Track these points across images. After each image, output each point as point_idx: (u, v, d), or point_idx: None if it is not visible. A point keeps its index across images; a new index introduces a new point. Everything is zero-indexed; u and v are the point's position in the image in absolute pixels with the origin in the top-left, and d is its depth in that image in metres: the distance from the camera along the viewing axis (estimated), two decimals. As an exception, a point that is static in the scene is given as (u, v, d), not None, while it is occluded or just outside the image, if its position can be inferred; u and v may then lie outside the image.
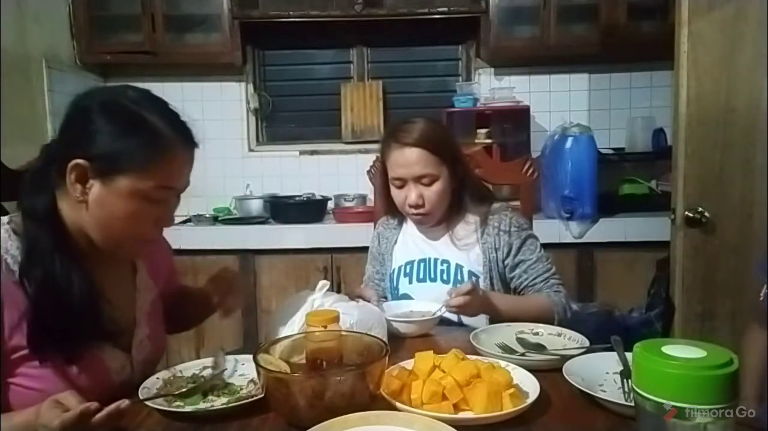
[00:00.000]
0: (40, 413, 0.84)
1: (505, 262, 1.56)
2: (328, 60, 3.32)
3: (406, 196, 1.52)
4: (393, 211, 1.67)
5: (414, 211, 1.53)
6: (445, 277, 1.56)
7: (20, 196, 0.99)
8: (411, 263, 1.61)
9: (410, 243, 1.64)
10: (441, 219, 1.59)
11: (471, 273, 1.55)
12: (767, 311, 1.35)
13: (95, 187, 0.94)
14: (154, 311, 1.16)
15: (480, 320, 1.51)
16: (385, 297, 1.67)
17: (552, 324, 1.38)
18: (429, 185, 1.50)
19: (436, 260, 1.58)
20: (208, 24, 2.92)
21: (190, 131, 1.01)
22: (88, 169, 0.93)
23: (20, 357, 0.94)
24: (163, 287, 1.22)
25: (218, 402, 0.99)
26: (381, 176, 1.64)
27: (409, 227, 1.67)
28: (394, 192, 1.56)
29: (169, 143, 0.95)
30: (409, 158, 1.48)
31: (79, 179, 0.94)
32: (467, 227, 1.60)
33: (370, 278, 1.72)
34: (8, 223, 0.99)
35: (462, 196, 1.59)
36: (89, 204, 0.95)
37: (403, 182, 1.52)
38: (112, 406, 0.83)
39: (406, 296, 1.58)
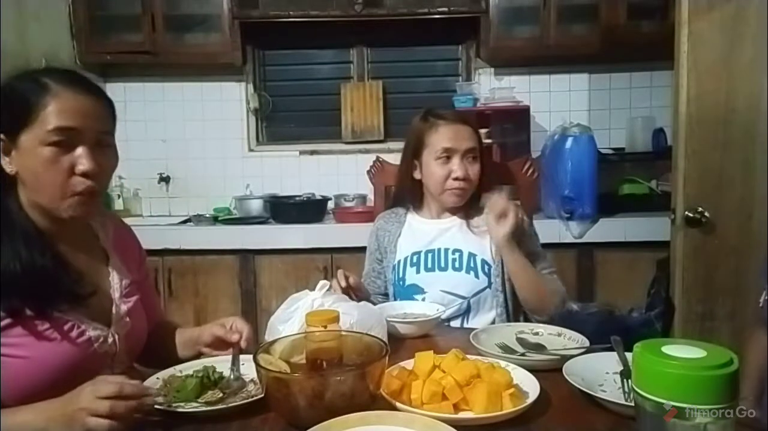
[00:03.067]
0: (82, 392, 0.88)
1: None
2: (328, 60, 3.32)
3: (451, 170, 1.55)
4: (413, 196, 1.68)
5: (459, 184, 1.56)
6: (457, 265, 1.56)
7: None
8: (417, 253, 1.61)
9: (417, 234, 1.65)
10: (463, 205, 1.62)
11: (484, 262, 1.56)
12: (767, 317, 1.35)
13: (15, 155, 1.01)
14: (131, 292, 1.18)
15: (481, 321, 1.52)
16: (385, 294, 1.67)
17: (549, 308, 1.46)
18: (474, 161, 1.57)
19: (447, 250, 1.59)
20: (208, 24, 2.92)
21: (84, 79, 1.05)
22: (6, 141, 1.00)
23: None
24: (136, 277, 1.24)
25: (218, 400, 0.98)
26: (408, 159, 1.65)
27: (415, 220, 1.68)
28: (435, 168, 1.57)
29: (53, 88, 0.99)
30: (462, 132, 1.57)
31: (5, 152, 1.01)
32: (480, 214, 1.62)
33: (367, 275, 1.72)
34: None
35: (481, 185, 1.63)
36: (19, 174, 1.01)
37: (450, 156, 1.56)
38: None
39: (414, 287, 1.58)
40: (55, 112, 0.98)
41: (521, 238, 1.56)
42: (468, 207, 1.63)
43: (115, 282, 1.16)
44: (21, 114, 0.98)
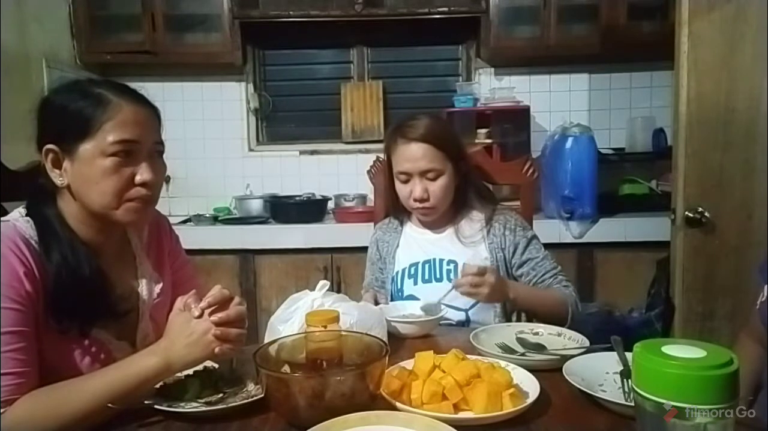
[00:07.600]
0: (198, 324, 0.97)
1: (512, 261, 1.57)
2: (328, 60, 3.32)
3: (411, 190, 1.53)
4: (396, 210, 1.68)
5: (419, 205, 1.54)
6: (452, 276, 1.55)
7: (27, 199, 1.08)
8: (415, 264, 1.60)
9: (414, 245, 1.64)
10: (445, 216, 1.61)
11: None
12: (767, 316, 1.34)
13: (68, 166, 1.02)
14: (160, 305, 1.17)
15: (483, 321, 1.52)
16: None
17: (564, 318, 1.42)
18: (434, 179, 1.53)
19: (441, 260, 1.58)
20: (208, 24, 2.92)
21: (137, 92, 1.07)
22: (59, 152, 1.01)
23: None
24: (173, 277, 1.23)
25: (218, 400, 0.98)
26: (386, 173, 1.65)
27: (411, 230, 1.67)
28: (399, 187, 1.57)
29: (114, 102, 1.01)
30: (415, 153, 1.51)
31: (55, 164, 1.02)
32: (473, 224, 1.61)
33: (369, 285, 1.71)
34: (27, 215, 1.05)
35: (466, 192, 1.61)
36: (71, 184, 1.02)
37: (408, 177, 1.54)
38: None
39: (412, 298, 1.57)
40: (118, 124, 1.00)
41: (526, 247, 1.56)
42: (455, 215, 1.62)
43: (144, 294, 1.15)
44: (80, 126, 1.00)
